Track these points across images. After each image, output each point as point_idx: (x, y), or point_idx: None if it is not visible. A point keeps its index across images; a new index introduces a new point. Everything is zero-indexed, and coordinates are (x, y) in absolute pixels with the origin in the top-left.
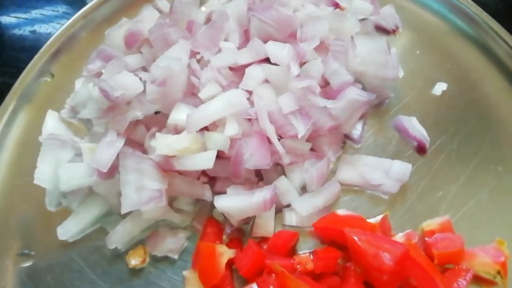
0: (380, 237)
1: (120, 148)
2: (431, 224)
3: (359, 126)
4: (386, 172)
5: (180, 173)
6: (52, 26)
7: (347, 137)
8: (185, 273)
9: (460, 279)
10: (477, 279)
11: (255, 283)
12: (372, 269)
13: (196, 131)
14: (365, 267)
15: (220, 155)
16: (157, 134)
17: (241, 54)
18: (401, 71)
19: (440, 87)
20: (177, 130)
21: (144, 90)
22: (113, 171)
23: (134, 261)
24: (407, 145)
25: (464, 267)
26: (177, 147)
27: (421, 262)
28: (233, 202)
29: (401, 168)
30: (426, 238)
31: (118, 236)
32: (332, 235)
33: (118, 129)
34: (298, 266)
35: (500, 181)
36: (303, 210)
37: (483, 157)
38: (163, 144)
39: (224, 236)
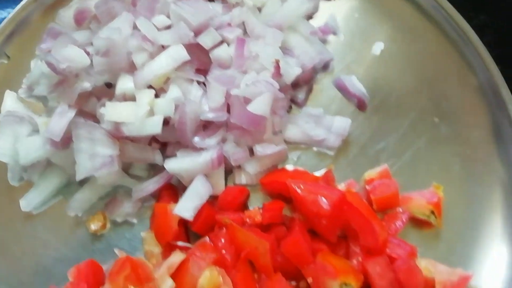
0: (319, 185)
1: (71, 118)
2: (371, 173)
3: (303, 91)
4: (328, 128)
5: (131, 140)
6: (7, 11)
7: (292, 100)
8: (143, 234)
9: (397, 221)
10: (416, 223)
11: (207, 236)
12: (312, 215)
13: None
14: (306, 214)
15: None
16: (107, 102)
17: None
18: (341, 34)
19: (378, 47)
20: (125, 99)
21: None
22: (68, 141)
23: (94, 225)
24: (348, 103)
25: (401, 210)
26: (125, 113)
27: (357, 206)
28: (182, 164)
29: (341, 123)
30: (366, 187)
31: (78, 204)
32: (277, 188)
33: (68, 100)
34: (248, 219)
35: (436, 131)
36: (251, 169)
37: (421, 110)
38: (112, 111)
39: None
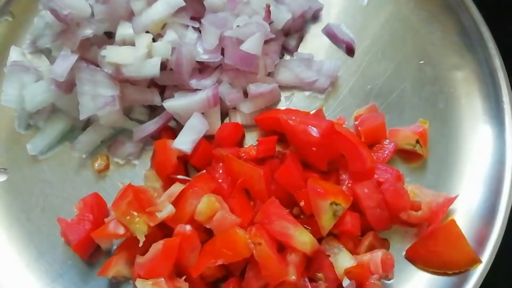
0: (309, 116)
1: (74, 61)
2: (360, 110)
3: (294, 38)
4: (318, 70)
5: (131, 83)
6: None
7: (284, 48)
8: (144, 171)
9: (384, 151)
10: (404, 156)
11: (204, 170)
12: (303, 144)
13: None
14: (297, 144)
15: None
16: (108, 46)
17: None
18: None
19: None
20: (125, 44)
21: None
22: (71, 86)
23: (97, 164)
24: (338, 49)
25: (388, 142)
26: (125, 55)
27: (345, 134)
28: (180, 102)
29: (330, 66)
30: (355, 122)
31: (81, 145)
32: (271, 124)
33: (71, 46)
34: (243, 154)
35: (421, 73)
36: (246, 109)
37: (406, 53)
38: (112, 53)
39: None
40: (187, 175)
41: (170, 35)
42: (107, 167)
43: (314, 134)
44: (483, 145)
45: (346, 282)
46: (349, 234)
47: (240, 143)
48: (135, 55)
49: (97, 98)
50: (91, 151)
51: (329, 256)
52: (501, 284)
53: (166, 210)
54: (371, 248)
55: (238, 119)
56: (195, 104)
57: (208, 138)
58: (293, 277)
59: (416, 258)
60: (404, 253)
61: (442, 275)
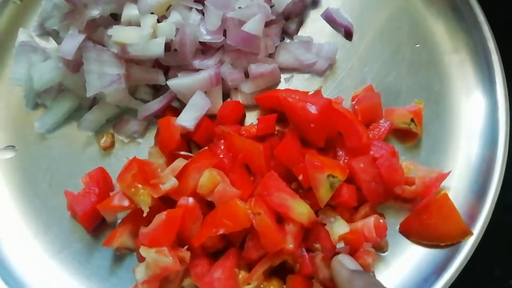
0: (307, 95)
1: (82, 40)
2: (357, 91)
3: (294, 22)
4: (317, 53)
5: (137, 63)
6: None
7: (284, 32)
8: (148, 148)
9: (379, 129)
10: (399, 135)
11: (207, 147)
12: (301, 120)
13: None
14: (296, 121)
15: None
16: (114, 26)
17: None
18: None
19: None
20: (130, 25)
21: None
22: (78, 66)
23: (103, 141)
24: (336, 33)
25: (384, 121)
26: (131, 34)
27: (342, 111)
28: (183, 81)
29: (329, 48)
30: (352, 103)
31: (88, 122)
32: (271, 103)
33: (79, 26)
34: (244, 132)
35: (417, 56)
36: (247, 89)
37: (403, 37)
38: (118, 33)
39: None
40: (190, 152)
41: (174, 16)
42: (112, 145)
43: (312, 111)
44: (476, 125)
45: (340, 245)
46: (345, 205)
47: (241, 122)
48: (141, 35)
49: (104, 76)
50: (97, 130)
51: (325, 225)
52: (490, 257)
53: (169, 183)
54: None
55: (239, 98)
56: (198, 82)
57: (210, 117)
58: (290, 245)
59: (410, 232)
60: (398, 227)
61: (435, 248)
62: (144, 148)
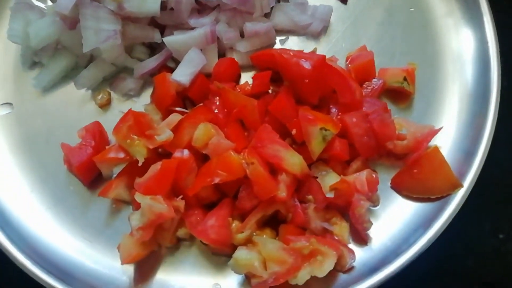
0: (301, 52)
1: None
2: (352, 52)
3: None
4: (312, 14)
5: (133, 21)
6: None
7: None
8: (144, 105)
9: (372, 87)
10: (392, 96)
11: (202, 103)
12: (295, 76)
13: None
14: (290, 77)
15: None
16: None
17: None
18: None
19: None
20: None
21: None
22: (75, 23)
23: (99, 97)
24: None
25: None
26: None
27: (335, 67)
28: (179, 37)
29: (324, 9)
30: (346, 63)
31: (84, 79)
32: (266, 61)
33: None
34: (239, 90)
35: (411, 20)
36: (242, 48)
37: (398, 1)
38: None
39: None
40: (185, 108)
41: None
42: (108, 102)
43: (306, 66)
44: (468, 87)
45: (330, 194)
46: (337, 158)
47: (236, 80)
48: None
49: (100, 32)
50: (94, 87)
51: (317, 178)
52: (480, 213)
53: (164, 134)
54: None
55: (235, 57)
56: (193, 39)
57: (205, 76)
58: (283, 193)
59: (401, 186)
60: (389, 183)
61: (426, 201)
62: (140, 106)
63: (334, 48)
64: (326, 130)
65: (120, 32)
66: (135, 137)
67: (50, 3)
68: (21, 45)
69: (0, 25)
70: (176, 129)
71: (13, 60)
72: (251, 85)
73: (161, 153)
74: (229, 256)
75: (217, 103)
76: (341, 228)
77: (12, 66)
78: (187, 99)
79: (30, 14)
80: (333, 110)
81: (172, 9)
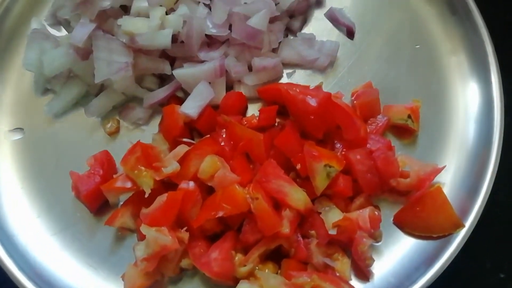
0: (308, 88)
1: (92, 29)
2: (357, 88)
3: (298, 20)
4: (319, 49)
5: (144, 53)
6: None
7: (288, 29)
8: (152, 135)
9: (377, 124)
10: (396, 132)
11: (209, 135)
12: (301, 112)
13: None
14: (296, 113)
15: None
16: (124, 16)
17: None
18: None
19: None
20: (140, 16)
21: None
22: (88, 54)
23: (108, 126)
24: (339, 32)
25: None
26: (139, 24)
27: (340, 104)
28: (188, 71)
29: (331, 45)
30: (351, 98)
31: (95, 108)
32: (272, 95)
33: (90, 15)
34: (245, 123)
35: (416, 57)
36: (250, 81)
37: (404, 38)
38: (128, 23)
39: None
40: (192, 139)
41: (182, 9)
42: (117, 130)
43: (312, 103)
44: (472, 126)
45: (333, 231)
46: (341, 194)
47: (243, 113)
48: (149, 25)
49: (112, 64)
50: (103, 116)
51: (321, 213)
52: (481, 251)
53: (171, 166)
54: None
55: (242, 91)
56: (203, 73)
57: (213, 108)
58: (286, 229)
59: (404, 223)
60: (392, 219)
61: (427, 239)
62: (148, 135)
63: (340, 82)
64: (330, 166)
65: (131, 64)
66: (143, 168)
67: (64, 32)
68: (34, 73)
69: (15, 52)
70: (182, 160)
71: (26, 87)
72: (257, 118)
73: (166, 182)
74: None
75: (224, 136)
76: (342, 264)
77: (25, 93)
78: (194, 129)
79: (45, 43)
80: (338, 145)
81: (182, 42)
